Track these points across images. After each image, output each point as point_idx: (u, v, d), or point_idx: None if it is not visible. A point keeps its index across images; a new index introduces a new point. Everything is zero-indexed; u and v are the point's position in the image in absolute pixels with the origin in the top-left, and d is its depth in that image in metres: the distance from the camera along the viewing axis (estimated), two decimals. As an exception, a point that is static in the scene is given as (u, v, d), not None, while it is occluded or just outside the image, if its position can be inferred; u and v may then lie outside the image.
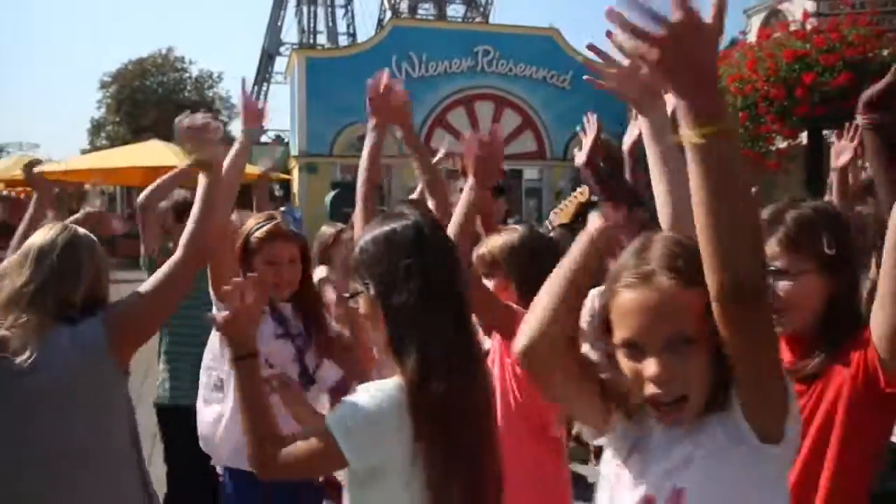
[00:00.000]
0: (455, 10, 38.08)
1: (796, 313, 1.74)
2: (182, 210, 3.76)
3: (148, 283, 2.41)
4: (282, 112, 29.89)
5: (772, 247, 1.74)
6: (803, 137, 7.51)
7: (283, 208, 3.91)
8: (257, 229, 2.85)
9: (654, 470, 1.44)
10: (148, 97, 40.82)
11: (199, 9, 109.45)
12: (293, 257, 2.89)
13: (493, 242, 2.79)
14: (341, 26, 48.56)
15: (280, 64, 41.74)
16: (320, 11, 48.74)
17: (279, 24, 44.95)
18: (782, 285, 1.72)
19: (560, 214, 3.75)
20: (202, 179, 2.56)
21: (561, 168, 25.54)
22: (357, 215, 2.74)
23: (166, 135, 31.05)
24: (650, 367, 1.34)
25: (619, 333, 1.39)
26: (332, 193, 16.83)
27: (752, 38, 28.90)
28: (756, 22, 28.61)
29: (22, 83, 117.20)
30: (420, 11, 35.88)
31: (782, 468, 1.44)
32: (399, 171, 23.72)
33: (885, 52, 6.92)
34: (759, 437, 1.35)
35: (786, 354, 1.77)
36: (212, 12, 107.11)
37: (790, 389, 1.38)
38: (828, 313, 1.74)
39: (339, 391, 2.76)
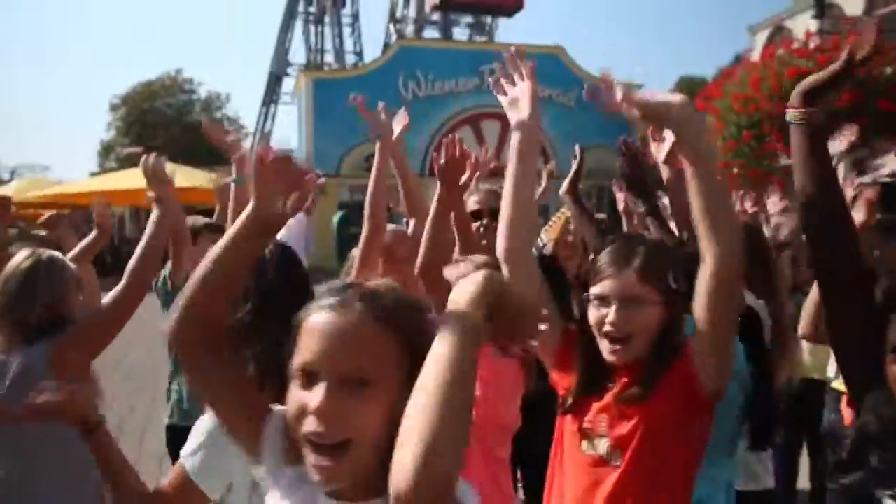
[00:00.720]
0: (461, 33, 38.32)
1: (639, 340, 1.85)
2: (196, 234, 3.95)
3: (103, 305, 2.67)
4: (289, 133, 30.11)
5: (628, 276, 1.87)
6: None
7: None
8: None
9: None
10: (157, 119, 41.28)
11: (208, 31, 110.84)
12: None
13: None
14: (349, 45, 48.96)
15: (287, 84, 42.01)
16: (327, 31, 49.19)
17: (286, 45, 45.32)
18: (631, 314, 1.85)
19: (549, 231, 3.79)
20: (153, 214, 2.80)
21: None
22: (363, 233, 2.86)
23: (175, 156, 31.44)
24: (316, 397, 1.18)
25: (297, 357, 1.24)
26: (339, 214, 16.88)
27: (756, 55, 29.05)
28: (761, 39, 28.77)
29: (33, 105, 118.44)
30: (425, 34, 36.05)
31: None
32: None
33: (889, 70, 6.94)
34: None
35: (623, 379, 1.90)
36: (220, 34, 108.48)
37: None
38: (660, 340, 1.86)
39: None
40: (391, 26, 45.45)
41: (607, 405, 1.87)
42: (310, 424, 1.18)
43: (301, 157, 24.71)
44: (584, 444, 1.89)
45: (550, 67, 25.19)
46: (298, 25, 48.58)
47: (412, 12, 40.75)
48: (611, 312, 1.86)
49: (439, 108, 24.22)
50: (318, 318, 1.24)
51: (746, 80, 7.32)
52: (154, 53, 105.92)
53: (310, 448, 1.20)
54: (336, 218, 16.49)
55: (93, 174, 41.30)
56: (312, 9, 49.59)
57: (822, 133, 1.77)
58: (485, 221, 3.08)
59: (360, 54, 52.02)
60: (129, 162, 36.96)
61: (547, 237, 3.74)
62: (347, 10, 52.16)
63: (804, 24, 26.42)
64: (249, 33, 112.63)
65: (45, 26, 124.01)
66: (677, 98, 1.70)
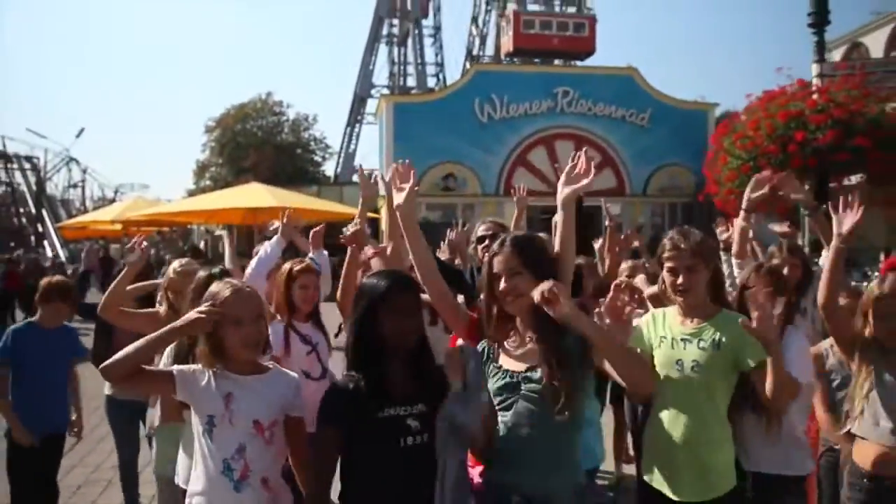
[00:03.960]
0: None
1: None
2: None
3: None
4: (373, 151, 31.32)
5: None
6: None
7: (310, 255, 4.82)
8: (296, 266, 4.12)
9: None
10: (248, 140, 43.21)
11: (297, 54, 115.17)
12: (316, 285, 4.16)
13: None
14: (430, 56, 50.55)
15: (371, 105, 43.48)
16: (409, 54, 50.74)
17: (370, 67, 46.94)
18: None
19: None
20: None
21: (642, 204, 25.94)
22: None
23: (265, 175, 33.11)
24: None
25: None
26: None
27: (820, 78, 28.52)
28: (837, 55, 28.45)
29: (133, 127, 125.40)
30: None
31: None
32: (482, 207, 24.69)
33: (869, 113, 7.53)
34: None
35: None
36: (309, 58, 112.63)
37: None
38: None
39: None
40: (473, 29, 46.68)
41: None
42: None
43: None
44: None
45: (623, 88, 25.64)
46: (383, 48, 50.32)
47: (489, 50, 41.91)
48: None
49: (514, 130, 24.94)
50: None
51: (746, 123, 8.07)
52: (247, 77, 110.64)
53: None
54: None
55: (189, 192, 43.76)
56: (396, 31, 51.27)
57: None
58: (486, 243, 3.92)
59: (441, 65, 53.43)
60: (222, 181, 39.03)
61: None
62: (430, 22, 53.73)
63: (880, 41, 26.10)
64: (337, 55, 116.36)
65: (145, 52, 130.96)
66: None
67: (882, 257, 20.79)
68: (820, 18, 8.22)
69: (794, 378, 2.61)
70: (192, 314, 2.46)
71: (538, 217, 15.21)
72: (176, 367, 2.56)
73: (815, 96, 7.81)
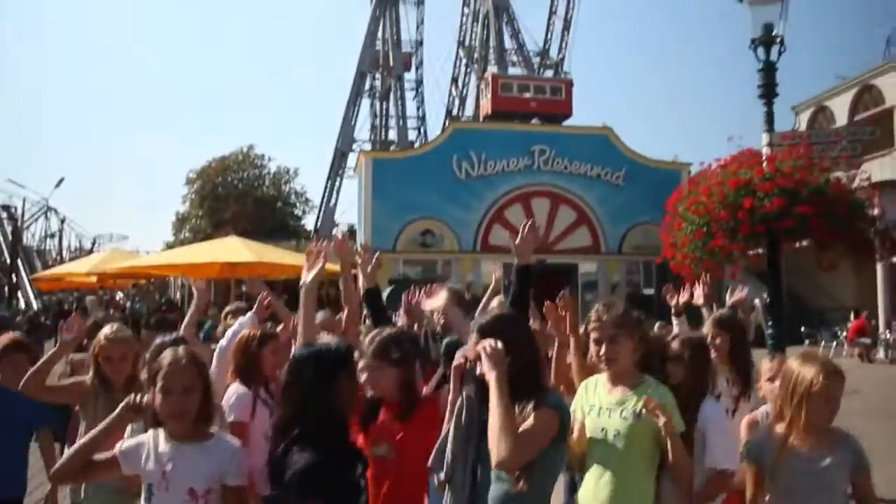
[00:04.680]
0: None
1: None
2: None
3: None
4: (354, 206, 31.47)
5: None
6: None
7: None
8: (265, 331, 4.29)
9: None
10: (229, 192, 43.42)
11: (279, 107, 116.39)
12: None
13: None
14: (411, 109, 51.33)
15: (353, 159, 43.96)
16: (391, 108, 51.47)
17: (352, 122, 47.52)
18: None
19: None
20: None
21: (616, 262, 26.21)
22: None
23: (245, 228, 33.21)
24: None
25: None
26: (388, 290, 17.87)
27: (803, 127, 29.36)
28: (804, 118, 29.28)
29: (114, 177, 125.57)
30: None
31: None
32: (457, 265, 24.86)
33: (813, 182, 8.08)
34: None
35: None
36: (289, 110, 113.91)
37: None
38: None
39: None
40: (453, 90, 47.55)
41: None
42: None
43: (360, 232, 25.99)
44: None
45: (599, 147, 26.13)
46: (365, 101, 51.04)
47: (468, 111, 42.79)
48: None
49: (491, 187, 25.26)
50: None
51: (698, 189, 8.54)
52: (229, 130, 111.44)
53: None
54: (386, 294, 17.41)
55: (167, 245, 43.69)
56: (378, 85, 52.09)
57: None
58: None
59: (423, 119, 54.24)
60: (201, 233, 39.05)
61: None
62: (412, 76, 54.70)
63: (844, 104, 26.98)
64: (319, 109, 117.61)
65: (129, 104, 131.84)
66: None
67: (851, 317, 21.22)
68: (768, 90, 8.61)
69: (714, 468, 2.74)
70: (121, 408, 2.63)
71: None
72: (118, 448, 2.63)
73: (763, 165, 8.27)
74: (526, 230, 3.38)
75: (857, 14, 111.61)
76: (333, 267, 3.95)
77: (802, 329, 20.17)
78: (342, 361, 2.54)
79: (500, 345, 2.48)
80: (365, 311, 4.36)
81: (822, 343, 19.64)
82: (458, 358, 2.93)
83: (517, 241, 3.37)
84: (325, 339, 3.04)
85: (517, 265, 3.39)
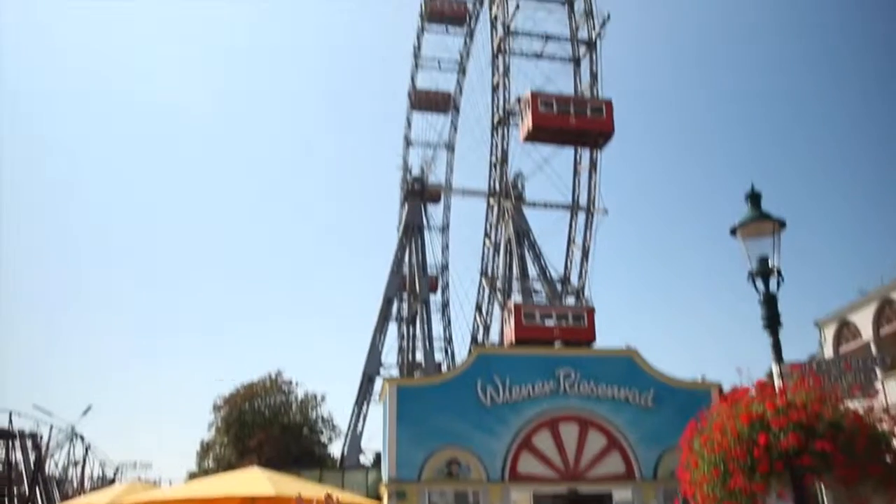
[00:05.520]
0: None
1: None
2: None
3: None
4: (380, 432, 31.12)
5: None
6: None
7: None
8: None
9: None
10: (255, 419, 43.27)
11: (308, 332, 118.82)
12: None
13: None
14: (437, 331, 52.08)
15: (380, 384, 44.07)
16: (418, 330, 52.38)
17: (379, 347, 48.23)
18: None
19: None
20: None
21: (653, 488, 25.07)
22: None
23: (270, 455, 32.73)
24: None
25: None
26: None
27: (827, 348, 29.02)
28: (829, 333, 29.21)
29: (141, 403, 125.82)
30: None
31: None
32: (485, 496, 23.93)
33: (827, 416, 7.77)
34: None
35: None
36: (318, 336, 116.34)
37: None
38: None
39: None
40: (477, 317, 48.32)
41: None
42: None
43: (385, 460, 25.44)
44: None
45: (625, 369, 25.99)
46: (392, 326, 52.06)
47: (493, 337, 43.65)
48: None
49: (518, 413, 24.92)
50: None
51: (710, 425, 8.22)
52: (257, 355, 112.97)
53: None
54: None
55: (190, 474, 42.87)
56: (405, 309, 53.41)
57: None
58: None
59: (449, 340, 54.71)
60: (225, 462, 38.48)
61: None
62: (438, 298, 55.99)
63: (867, 319, 26.97)
64: (348, 334, 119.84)
65: (159, 330, 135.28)
66: None
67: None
68: (771, 322, 8.69)
69: None
70: None
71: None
72: None
73: (775, 398, 8.06)
74: None
75: (879, 224, 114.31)
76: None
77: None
78: None
79: None
80: None
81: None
82: None
83: None
84: None
85: None
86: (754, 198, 9.08)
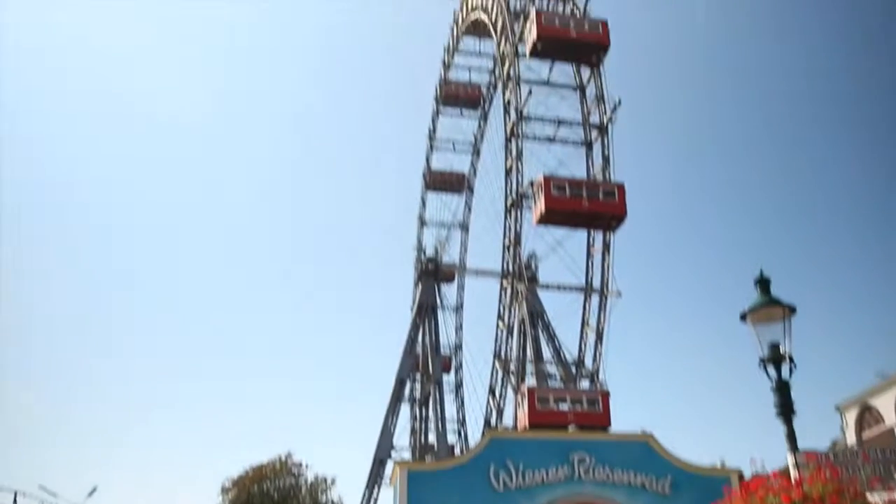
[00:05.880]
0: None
1: None
2: None
3: None
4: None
5: None
6: None
7: None
8: None
9: None
10: (264, 501, 42.32)
11: (318, 413, 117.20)
12: None
13: None
14: (450, 412, 51.22)
15: (391, 466, 43.19)
16: (431, 413, 51.64)
17: (391, 429, 47.51)
18: None
19: None
20: None
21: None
22: None
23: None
24: None
25: None
26: None
27: (850, 434, 28.33)
28: (851, 417, 28.53)
29: (149, 485, 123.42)
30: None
31: None
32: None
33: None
34: None
35: None
36: (329, 417, 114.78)
37: None
38: None
39: None
40: (490, 400, 47.61)
41: None
42: None
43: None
44: None
45: (641, 455, 25.43)
46: (404, 407, 51.40)
47: (507, 420, 43.09)
48: None
49: (531, 499, 24.31)
50: None
51: None
52: (266, 437, 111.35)
53: None
54: None
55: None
56: (417, 390, 52.84)
57: None
58: None
59: (462, 421, 53.75)
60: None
61: None
62: (451, 378, 55.25)
63: (889, 403, 26.37)
64: (359, 415, 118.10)
65: (164, 414, 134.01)
66: None
67: None
68: (785, 409, 8.54)
69: None
70: None
71: None
72: None
73: (791, 490, 7.82)
74: None
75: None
76: None
77: None
78: None
79: None
80: None
81: None
82: None
83: None
84: None
85: None
86: (763, 283, 9.05)
